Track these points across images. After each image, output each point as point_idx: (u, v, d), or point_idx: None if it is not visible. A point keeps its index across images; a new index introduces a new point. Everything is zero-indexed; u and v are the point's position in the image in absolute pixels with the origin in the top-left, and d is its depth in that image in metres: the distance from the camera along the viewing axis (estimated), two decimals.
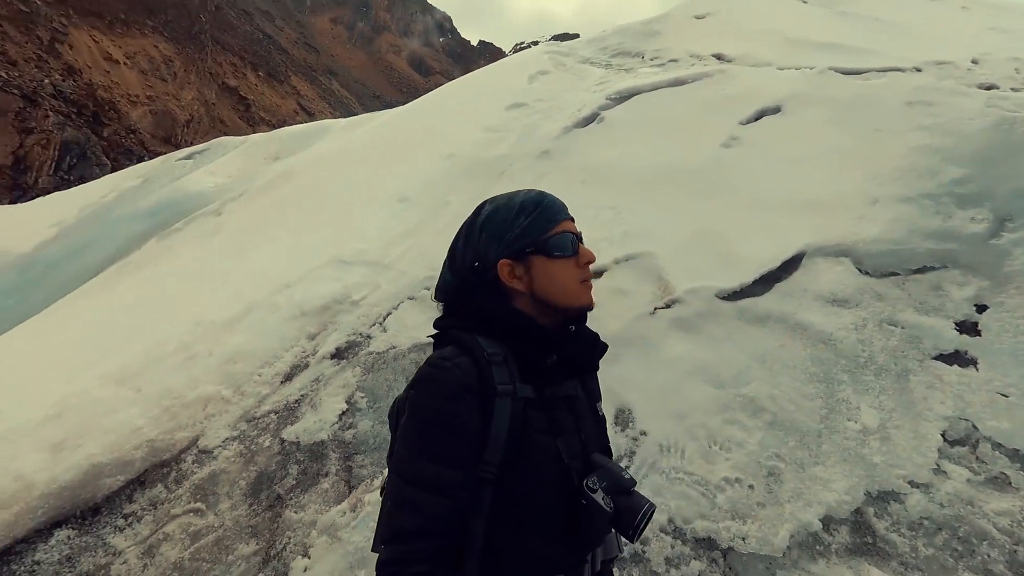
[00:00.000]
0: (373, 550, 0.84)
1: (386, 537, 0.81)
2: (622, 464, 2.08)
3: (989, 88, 3.69)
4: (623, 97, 4.63)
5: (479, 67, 8.13)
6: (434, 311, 1.01)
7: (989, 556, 1.67)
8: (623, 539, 0.93)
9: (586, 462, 0.89)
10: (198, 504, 2.16)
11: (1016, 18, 5.74)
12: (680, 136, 3.95)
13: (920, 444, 1.96)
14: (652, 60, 5.69)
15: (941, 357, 2.23)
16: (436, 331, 0.98)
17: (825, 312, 2.46)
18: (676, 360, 2.39)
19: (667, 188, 3.46)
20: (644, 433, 2.17)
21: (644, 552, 1.83)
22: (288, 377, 2.74)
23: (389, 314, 3.02)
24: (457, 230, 1.00)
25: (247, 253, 4.25)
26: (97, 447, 2.29)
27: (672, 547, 1.82)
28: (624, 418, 2.24)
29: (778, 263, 2.72)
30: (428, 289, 3.03)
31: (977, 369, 2.16)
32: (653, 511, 0.85)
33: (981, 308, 2.37)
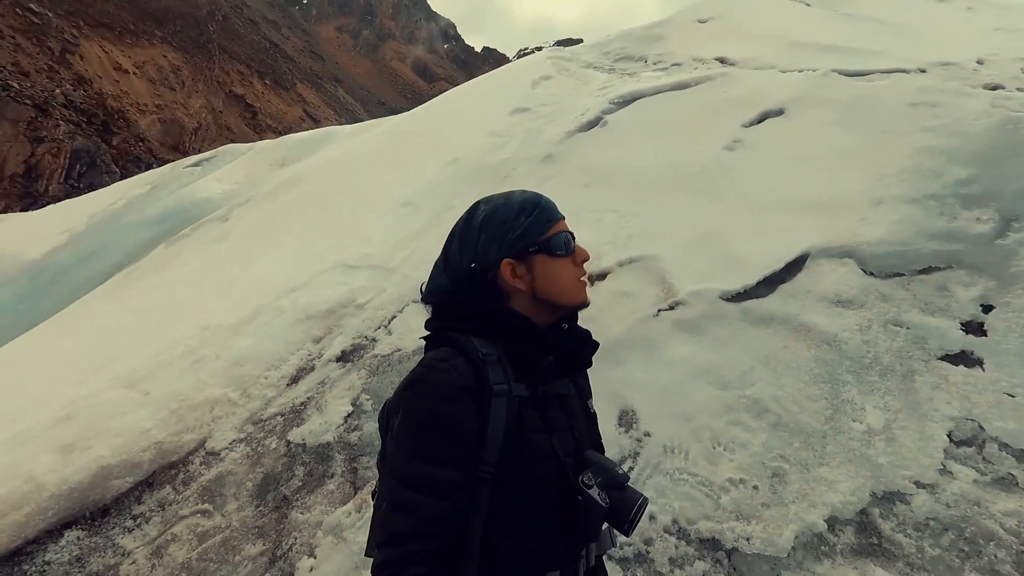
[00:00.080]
0: (367, 554, 0.84)
1: (382, 540, 0.80)
2: (625, 465, 2.08)
3: (995, 88, 3.68)
4: (626, 101, 4.65)
5: (483, 73, 8.18)
6: None
7: (996, 557, 1.65)
8: (616, 533, 0.94)
9: (579, 459, 0.90)
10: (205, 505, 2.18)
11: (1022, 18, 5.71)
12: (683, 139, 3.96)
13: (926, 445, 1.95)
14: (655, 64, 5.72)
15: (947, 357, 2.22)
16: (428, 333, 0.98)
17: (829, 313, 2.46)
18: (680, 362, 2.39)
19: (670, 191, 3.46)
20: (648, 434, 2.17)
21: (648, 552, 1.82)
22: (294, 380, 2.76)
23: (394, 317, 3.04)
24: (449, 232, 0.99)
25: (253, 258, 4.29)
26: (106, 449, 2.32)
27: (676, 548, 1.82)
28: (628, 419, 2.24)
29: (782, 264, 2.72)
30: None
31: (983, 369, 2.15)
32: (646, 504, 0.87)
33: (987, 308, 2.35)
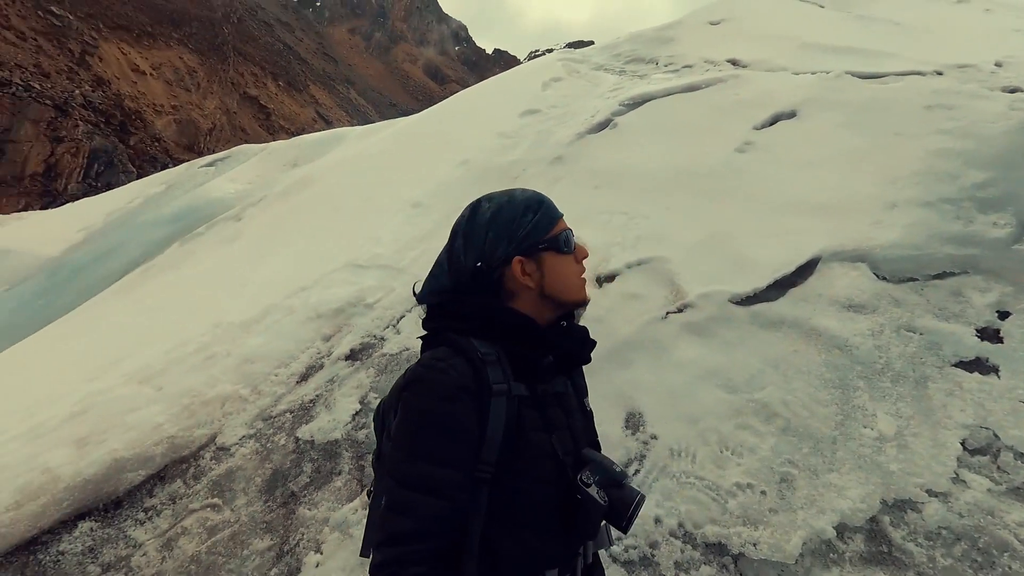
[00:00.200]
0: (362, 554, 0.83)
1: (380, 540, 0.79)
2: (632, 468, 2.07)
3: (1013, 91, 3.61)
4: (636, 103, 4.64)
5: (494, 75, 8.21)
6: None
7: (1010, 568, 1.62)
8: (613, 530, 0.94)
9: (577, 457, 0.90)
10: (215, 499, 2.21)
11: None
12: (693, 141, 3.94)
13: (939, 452, 1.92)
14: (666, 66, 5.69)
15: (961, 364, 2.18)
16: (425, 332, 0.97)
17: (841, 317, 2.43)
18: (688, 364, 2.38)
19: (680, 193, 3.45)
20: (655, 437, 2.16)
21: (654, 556, 1.82)
22: (304, 377, 2.79)
23: (403, 317, 3.06)
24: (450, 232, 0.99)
25: (265, 257, 4.35)
26: (120, 443, 2.36)
27: (682, 551, 1.81)
28: (635, 422, 2.23)
29: (792, 268, 2.69)
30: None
31: (999, 376, 2.11)
32: (643, 501, 0.87)
33: (1004, 315, 2.31)
